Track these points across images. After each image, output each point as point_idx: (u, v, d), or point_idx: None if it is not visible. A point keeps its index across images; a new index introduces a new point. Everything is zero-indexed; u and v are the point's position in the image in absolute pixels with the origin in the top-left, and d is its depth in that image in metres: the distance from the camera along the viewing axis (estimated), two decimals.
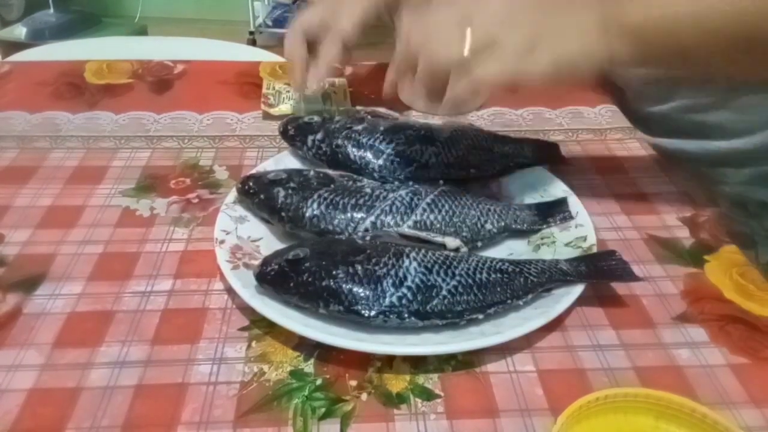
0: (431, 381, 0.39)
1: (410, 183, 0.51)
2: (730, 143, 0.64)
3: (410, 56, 0.47)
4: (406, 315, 0.39)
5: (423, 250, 0.42)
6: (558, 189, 0.54)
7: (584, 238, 0.48)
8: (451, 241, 0.45)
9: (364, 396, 0.38)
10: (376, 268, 0.40)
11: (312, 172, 0.50)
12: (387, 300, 0.39)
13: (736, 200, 0.64)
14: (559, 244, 0.48)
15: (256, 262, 0.43)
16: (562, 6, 0.45)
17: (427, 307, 0.40)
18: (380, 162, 0.52)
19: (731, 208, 0.64)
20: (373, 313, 0.39)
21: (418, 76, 0.46)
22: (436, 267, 0.41)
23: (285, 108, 0.68)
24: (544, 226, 0.50)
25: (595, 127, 0.68)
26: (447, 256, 0.42)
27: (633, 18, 0.44)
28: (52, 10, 2.63)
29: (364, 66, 0.80)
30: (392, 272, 0.40)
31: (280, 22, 3.04)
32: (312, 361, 0.40)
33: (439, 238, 0.45)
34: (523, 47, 0.43)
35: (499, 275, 0.42)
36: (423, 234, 0.45)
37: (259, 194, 0.49)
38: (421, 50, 0.46)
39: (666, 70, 0.55)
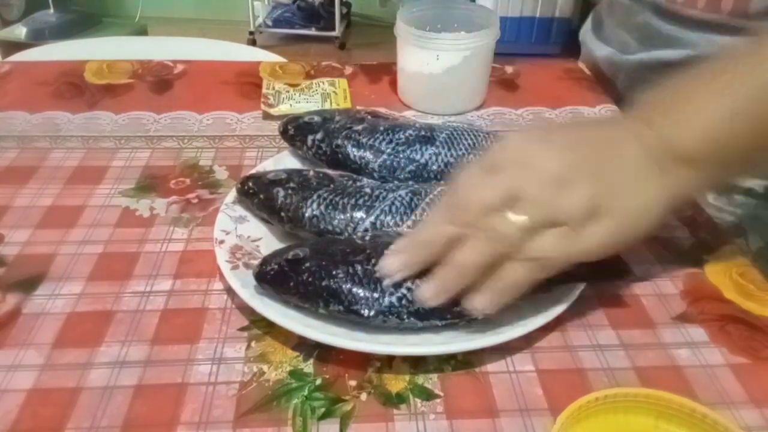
0: (431, 381, 0.39)
1: (410, 183, 0.51)
2: None
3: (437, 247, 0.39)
4: (405, 315, 0.39)
5: None
6: None
7: None
8: None
9: (363, 396, 0.38)
10: (376, 268, 0.40)
11: (312, 172, 0.50)
12: (386, 300, 0.39)
13: (723, 189, 0.64)
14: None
15: (256, 262, 0.43)
16: (608, 158, 0.39)
17: (427, 308, 0.39)
18: (380, 162, 0.52)
19: (718, 197, 0.64)
20: (372, 313, 0.39)
21: (452, 263, 0.38)
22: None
23: (285, 108, 0.68)
24: None
25: None
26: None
27: (684, 144, 0.39)
28: (52, 10, 2.64)
29: (364, 66, 0.80)
30: None
31: (280, 22, 3.04)
32: (311, 361, 0.40)
33: None
34: (584, 214, 0.37)
35: None
36: None
37: (258, 194, 0.49)
38: (467, 227, 0.37)
39: (744, 172, 0.50)
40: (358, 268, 0.40)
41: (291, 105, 0.68)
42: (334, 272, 0.40)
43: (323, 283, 0.40)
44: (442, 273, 0.38)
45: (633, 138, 0.40)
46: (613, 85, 0.74)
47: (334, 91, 0.71)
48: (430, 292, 0.38)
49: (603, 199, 0.37)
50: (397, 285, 0.40)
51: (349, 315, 0.40)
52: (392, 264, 0.39)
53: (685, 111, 0.41)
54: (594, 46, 0.80)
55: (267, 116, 0.67)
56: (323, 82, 0.73)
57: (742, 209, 0.63)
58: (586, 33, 0.83)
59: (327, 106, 0.69)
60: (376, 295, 0.39)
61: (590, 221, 0.37)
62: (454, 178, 0.41)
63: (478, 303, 0.37)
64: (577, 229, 0.37)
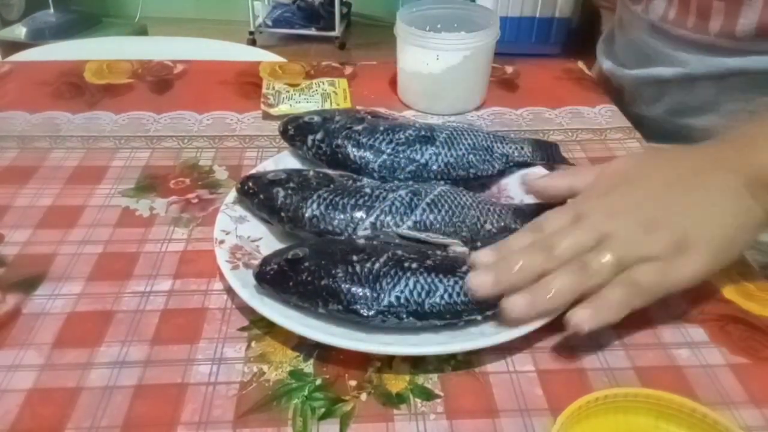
0: (431, 381, 0.39)
1: (410, 183, 0.51)
2: None
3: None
4: (404, 315, 0.39)
5: (422, 250, 0.42)
6: None
7: None
8: (458, 247, 0.45)
9: (363, 396, 0.38)
10: (375, 267, 0.40)
11: (312, 172, 0.50)
12: (385, 300, 0.39)
13: None
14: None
15: (256, 262, 0.43)
16: (695, 188, 0.41)
17: (426, 308, 0.40)
18: (380, 162, 0.52)
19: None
20: (371, 312, 0.39)
21: (545, 290, 0.38)
22: (435, 267, 0.41)
23: (285, 108, 0.68)
24: None
25: (595, 127, 0.68)
26: (446, 257, 0.42)
27: None
28: (52, 10, 2.64)
29: (364, 66, 0.80)
30: (391, 272, 0.40)
31: (280, 22, 3.04)
32: (311, 361, 0.40)
33: (438, 239, 0.45)
34: (672, 252, 0.38)
35: None
36: (422, 235, 0.45)
37: (258, 194, 0.49)
38: (556, 261, 0.39)
39: None
40: (357, 267, 0.40)
41: (291, 105, 0.68)
42: (333, 272, 0.40)
43: (322, 283, 0.40)
44: (536, 295, 0.38)
45: (722, 163, 0.42)
46: (621, 98, 0.75)
47: (334, 91, 0.71)
48: (521, 307, 0.38)
49: (689, 236, 0.39)
50: (396, 285, 0.40)
51: (349, 314, 0.40)
52: (484, 282, 0.39)
53: None
54: (602, 58, 0.81)
55: (267, 116, 0.67)
56: (323, 82, 0.73)
57: None
58: (600, 45, 0.84)
59: (327, 106, 0.69)
60: (375, 294, 0.39)
61: (679, 255, 0.38)
62: (538, 221, 0.42)
63: (583, 318, 0.38)
64: (667, 262, 0.38)
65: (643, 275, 0.38)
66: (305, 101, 0.69)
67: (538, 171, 0.55)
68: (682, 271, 0.39)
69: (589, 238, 0.39)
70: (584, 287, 0.38)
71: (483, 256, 0.41)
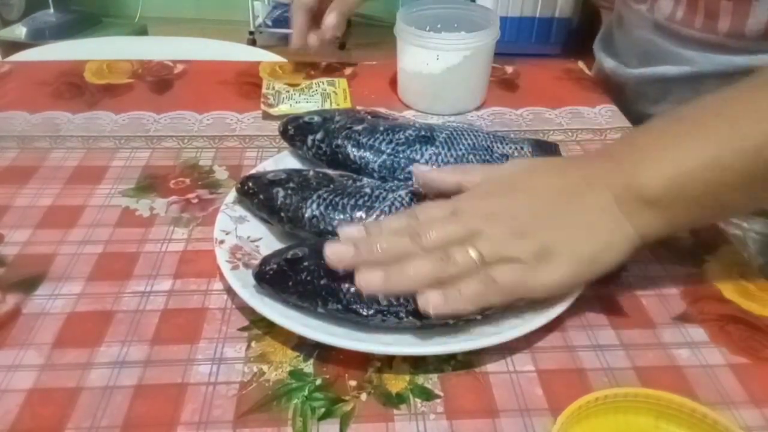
0: (431, 381, 0.39)
1: (410, 183, 0.51)
2: None
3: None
4: (403, 315, 0.39)
5: None
6: None
7: None
8: None
9: (363, 396, 0.38)
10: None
11: (311, 172, 0.50)
12: (385, 299, 0.39)
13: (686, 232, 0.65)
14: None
15: (256, 262, 0.43)
16: (568, 203, 0.42)
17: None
18: (380, 162, 0.52)
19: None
20: (371, 312, 0.39)
21: (401, 270, 0.39)
22: None
23: (285, 108, 0.68)
24: None
25: (595, 127, 0.68)
26: None
27: (650, 186, 0.40)
28: (52, 10, 2.64)
29: (364, 66, 0.80)
30: None
31: (280, 22, 3.04)
32: (311, 361, 0.40)
33: None
34: (535, 258, 0.39)
35: None
36: None
37: (258, 194, 0.49)
38: (422, 244, 0.39)
39: (704, 222, 0.50)
40: None
41: (291, 105, 0.68)
42: (332, 271, 0.40)
43: (322, 282, 0.40)
44: (392, 274, 0.38)
45: (600, 181, 0.42)
46: (623, 96, 0.75)
47: (334, 91, 0.71)
48: (375, 284, 0.39)
49: (554, 248, 0.39)
50: None
51: (348, 314, 0.40)
52: (343, 253, 0.40)
53: (656, 155, 0.42)
54: (602, 57, 0.81)
55: (267, 116, 0.67)
56: (323, 82, 0.73)
57: (747, 225, 0.64)
58: (597, 44, 0.84)
59: (327, 106, 0.69)
60: (374, 294, 0.39)
61: (541, 263, 0.39)
62: (416, 208, 0.43)
63: (431, 301, 0.38)
64: (528, 267, 0.39)
65: (502, 274, 0.38)
66: (305, 101, 0.69)
67: None
68: (540, 277, 0.39)
69: (458, 232, 0.39)
70: (442, 275, 0.38)
71: (350, 230, 0.42)
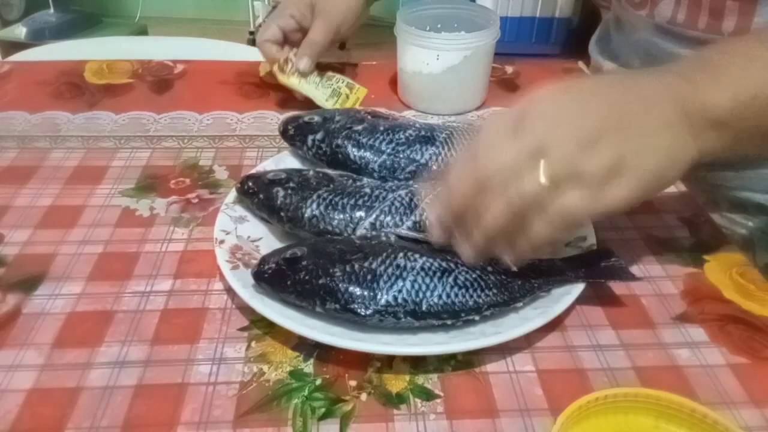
0: (431, 381, 0.39)
1: (410, 183, 0.51)
2: None
3: (465, 203, 0.40)
4: (401, 314, 0.39)
5: (420, 251, 0.42)
6: None
7: (584, 238, 0.48)
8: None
9: (363, 396, 0.38)
10: (373, 266, 0.40)
11: (311, 172, 0.50)
12: (383, 299, 0.39)
13: (734, 203, 0.64)
14: (559, 244, 0.48)
15: (256, 262, 0.43)
16: (637, 115, 0.40)
17: (423, 308, 0.40)
18: (380, 162, 0.52)
19: (730, 210, 0.64)
20: (369, 312, 0.39)
21: (479, 225, 0.39)
22: (433, 267, 0.41)
23: (293, 81, 0.66)
24: None
25: None
26: (444, 257, 0.42)
27: (718, 109, 0.40)
28: (52, 10, 2.63)
29: (364, 66, 0.80)
30: (388, 271, 0.40)
31: None
32: (311, 361, 0.40)
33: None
34: (606, 174, 0.38)
35: (495, 276, 0.42)
36: (421, 236, 0.45)
37: (258, 194, 0.49)
38: (490, 189, 0.38)
39: (756, 151, 0.50)
40: (356, 266, 0.40)
41: (300, 82, 0.67)
42: (331, 271, 0.40)
43: (320, 282, 0.40)
44: (474, 240, 0.40)
45: (669, 94, 0.41)
46: None
47: (347, 95, 0.69)
48: (467, 255, 0.41)
49: (626, 159, 0.38)
50: (394, 284, 0.40)
51: (346, 313, 0.40)
52: (439, 236, 0.42)
53: (729, 76, 0.42)
54: (600, 59, 0.80)
55: (268, 77, 0.65)
56: (343, 81, 0.70)
57: (753, 224, 0.64)
58: (593, 45, 0.83)
59: (331, 103, 0.68)
60: (372, 294, 0.39)
61: (613, 180, 0.38)
62: (480, 131, 0.41)
63: (508, 258, 0.40)
64: (600, 187, 0.38)
65: (570, 204, 0.38)
66: (314, 87, 0.68)
67: None
68: (609, 197, 0.38)
69: (525, 154, 0.38)
70: (517, 216, 0.38)
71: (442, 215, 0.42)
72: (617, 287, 0.46)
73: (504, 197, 0.38)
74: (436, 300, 0.40)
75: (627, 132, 0.39)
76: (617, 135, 0.39)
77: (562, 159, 0.37)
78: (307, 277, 0.40)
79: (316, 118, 0.56)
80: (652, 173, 0.39)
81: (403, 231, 0.45)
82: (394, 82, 0.74)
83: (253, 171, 0.53)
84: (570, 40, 2.74)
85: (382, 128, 0.54)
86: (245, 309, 0.43)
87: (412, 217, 0.46)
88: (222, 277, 0.45)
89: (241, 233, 0.48)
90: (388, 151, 0.53)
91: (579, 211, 0.38)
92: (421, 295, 0.40)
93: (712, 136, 0.41)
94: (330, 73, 0.71)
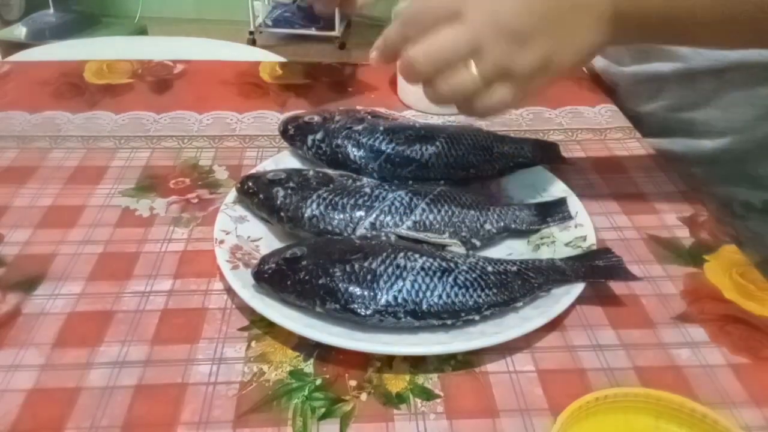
0: (431, 381, 0.39)
1: (410, 183, 0.51)
2: (715, 142, 0.65)
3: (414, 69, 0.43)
4: (401, 314, 0.39)
5: (420, 250, 0.42)
6: (558, 189, 0.54)
7: (584, 238, 0.48)
8: (456, 247, 0.45)
9: (363, 396, 0.38)
10: (373, 266, 0.40)
11: (311, 172, 0.51)
12: (383, 299, 0.39)
13: (721, 201, 0.64)
14: (558, 244, 0.48)
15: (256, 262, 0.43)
16: (567, 12, 0.43)
17: (423, 307, 0.40)
18: (380, 162, 0.52)
19: (717, 208, 0.64)
20: (369, 312, 0.39)
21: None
22: (433, 267, 0.41)
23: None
24: (544, 226, 0.50)
25: (595, 126, 0.68)
26: (444, 257, 0.42)
27: (639, 8, 0.44)
28: (52, 10, 2.64)
29: (364, 66, 0.80)
30: (388, 271, 0.40)
31: (280, 22, 3.04)
32: (311, 361, 0.40)
33: (436, 239, 0.45)
34: (532, 73, 0.41)
35: (495, 275, 0.42)
36: (421, 235, 0.45)
37: (258, 194, 0.49)
38: (427, 75, 0.43)
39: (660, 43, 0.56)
40: (356, 266, 0.40)
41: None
42: (331, 271, 0.40)
43: (320, 281, 0.40)
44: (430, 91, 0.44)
45: None
46: (615, 94, 0.75)
47: None
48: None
49: (552, 56, 0.42)
50: (394, 284, 0.40)
51: (346, 313, 0.40)
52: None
53: None
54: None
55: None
56: None
57: (739, 222, 0.64)
58: None
59: None
60: (372, 293, 0.39)
61: (536, 76, 0.42)
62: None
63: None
64: (525, 83, 0.42)
65: (499, 100, 0.42)
66: None
67: (538, 171, 0.55)
68: (532, 87, 0.42)
69: (462, 47, 0.41)
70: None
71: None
72: (617, 287, 0.46)
73: (440, 84, 0.42)
74: (436, 300, 0.40)
75: (557, 28, 0.42)
76: (549, 31, 0.42)
77: (498, 55, 0.40)
78: (307, 277, 0.40)
79: (316, 118, 0.56)
80: (566, 65, 0.43)
81: (403, 231, 0.45)
82: (394, 82, 0.74)
83: (253, 171, 0.53)
84: None
85: (382, 128, 0.54)
86: (245, 309, 0.43)
87: (412, 217, 0.46)
88: (222, 277, 0.45)
89: (241, 233, 0.48)
90: (388, 151, 0.53)
91: (503, 106, 0.43)
92: (421, 295, 0.40)
93: (611, 31, 0.43)
94: None
